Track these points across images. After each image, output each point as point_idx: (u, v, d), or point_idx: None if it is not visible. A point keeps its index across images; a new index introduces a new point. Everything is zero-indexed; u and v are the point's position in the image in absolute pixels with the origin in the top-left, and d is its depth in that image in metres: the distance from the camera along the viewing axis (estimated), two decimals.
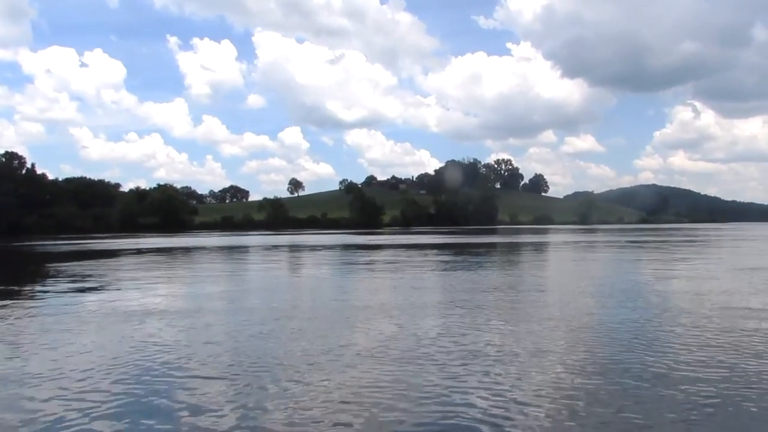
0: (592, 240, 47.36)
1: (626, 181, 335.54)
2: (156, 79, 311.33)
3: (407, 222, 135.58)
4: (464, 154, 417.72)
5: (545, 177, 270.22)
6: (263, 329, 8.39)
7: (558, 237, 55.92)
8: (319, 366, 6.27)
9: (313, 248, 36.49)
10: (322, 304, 10.88)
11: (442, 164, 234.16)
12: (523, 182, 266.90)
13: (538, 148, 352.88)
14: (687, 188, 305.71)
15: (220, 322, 9.11)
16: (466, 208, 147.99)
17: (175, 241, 54.58)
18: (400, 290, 12.90)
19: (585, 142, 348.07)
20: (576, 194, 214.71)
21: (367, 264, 21.78)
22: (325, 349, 7.02)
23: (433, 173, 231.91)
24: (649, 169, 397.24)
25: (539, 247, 36.00)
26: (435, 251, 31.57)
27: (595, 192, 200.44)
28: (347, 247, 38.80)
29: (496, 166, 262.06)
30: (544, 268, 19.80)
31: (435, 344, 7.17)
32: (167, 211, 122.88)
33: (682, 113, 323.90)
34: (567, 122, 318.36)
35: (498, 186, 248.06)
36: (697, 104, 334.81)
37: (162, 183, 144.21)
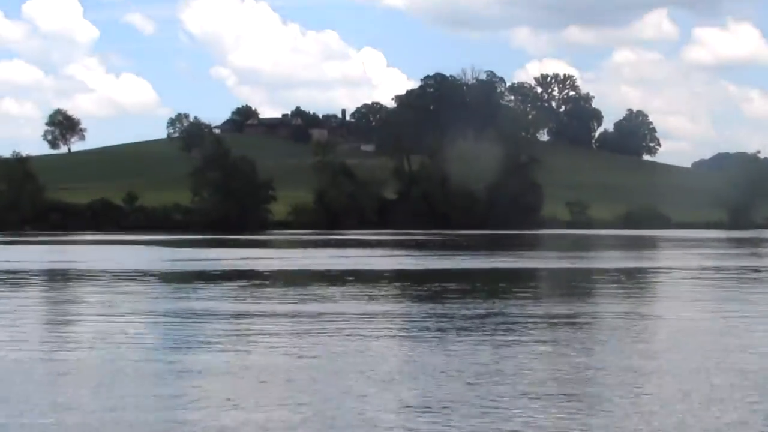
0: (756, 266, 47.64)
1: None
2: None
3: (331, 218, 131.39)
4: (466, 61, 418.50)
5: (651, 119, 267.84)
6: None
7: (680, 258, 56.04)
8: None
9: (105, 278, 35.43)
10: (105, 426, 10.42)
11: (415, 85, 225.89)
12: (600, 130, 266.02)
13: (634, 52, 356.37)
14: None
15: None
16: (468, 191, 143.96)
17: None
18: (309, 388, 12.70)
19: (738, 37, 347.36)
20: (721, 158, 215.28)
21: (233, 320, 21.41)
22: None
23: (393, 105, 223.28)
24: None
25: (635, 282, 36.11)
26: (396, 288, 31.53)
27: (764, 157, 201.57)
28: (186, 276, 38.10)
29: (539, 90, 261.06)
30: (644, 337, 19.80)
31: None
32: None
33: None
34: None
35: (545, 137, 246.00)
36: None
37: None
